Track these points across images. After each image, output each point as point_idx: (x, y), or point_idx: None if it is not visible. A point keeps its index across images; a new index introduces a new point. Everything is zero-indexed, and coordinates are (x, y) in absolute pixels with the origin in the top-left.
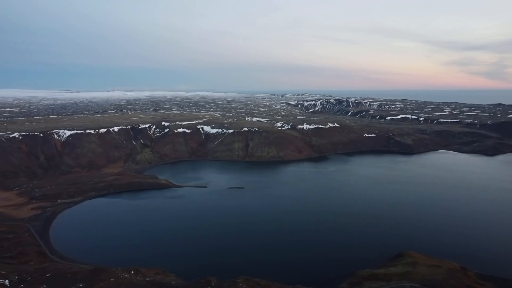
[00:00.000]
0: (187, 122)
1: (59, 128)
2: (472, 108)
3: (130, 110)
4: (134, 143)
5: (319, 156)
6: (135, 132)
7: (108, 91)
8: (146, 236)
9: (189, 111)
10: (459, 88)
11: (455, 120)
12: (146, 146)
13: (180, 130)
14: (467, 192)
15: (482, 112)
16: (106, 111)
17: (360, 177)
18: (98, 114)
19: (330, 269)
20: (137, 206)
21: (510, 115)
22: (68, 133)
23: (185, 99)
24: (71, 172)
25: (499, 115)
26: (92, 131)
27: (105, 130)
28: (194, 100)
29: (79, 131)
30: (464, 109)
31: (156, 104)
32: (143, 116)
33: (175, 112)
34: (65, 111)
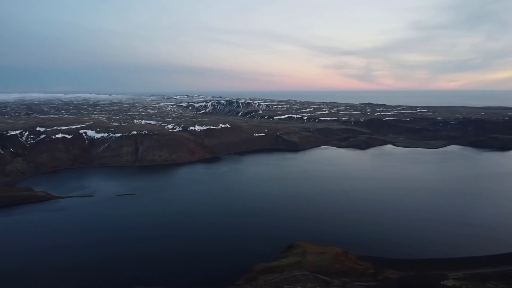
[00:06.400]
0: (67, 127)
1: None
2: (347, 107)
3: None
4: (2, 152)
5: (212, 157)
6: (3, 139)
7: None
8: (20, 257)
9: (69, 115)
10: (336, 89)
11: (334, 118)
12: (18, 155)
13: (59, 135)
14: (346, 183)
15: (355, 110)
16: None
17: (252, 175)
18: None
19: (228, 267)
20: (7, 224)
21: (378, 113)
22: None
23: (64, 101)
24: None
25: (368, 113)
26: None
27: None
28: (75, 102)
29: None
30: (340, 108)
31: (29, 108)
32: (12, 121)
33: (52, 116)
34: None
